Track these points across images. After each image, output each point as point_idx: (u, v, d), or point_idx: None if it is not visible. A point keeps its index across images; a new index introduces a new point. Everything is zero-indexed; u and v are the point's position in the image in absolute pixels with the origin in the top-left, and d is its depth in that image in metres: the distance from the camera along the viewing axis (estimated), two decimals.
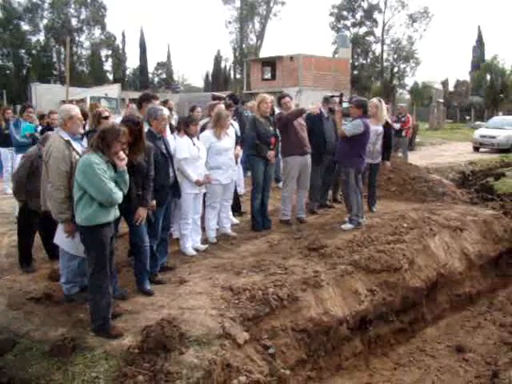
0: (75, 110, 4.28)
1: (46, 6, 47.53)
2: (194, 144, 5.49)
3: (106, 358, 3.45)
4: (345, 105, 7.20)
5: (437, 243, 6.16)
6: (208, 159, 5.85)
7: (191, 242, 5.65)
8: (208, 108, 6.87)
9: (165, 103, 7.39)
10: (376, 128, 6.85)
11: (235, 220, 6.82)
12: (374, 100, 7.06)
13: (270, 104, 6.42)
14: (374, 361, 4.86)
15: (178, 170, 5.17)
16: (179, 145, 5.37)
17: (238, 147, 6.35)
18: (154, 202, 4.56)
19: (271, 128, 6.40)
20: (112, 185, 3.72)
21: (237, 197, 6.96)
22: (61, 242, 4.27)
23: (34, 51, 47.21)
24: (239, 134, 6.95)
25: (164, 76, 58.40)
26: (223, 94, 17.32)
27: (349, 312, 4.73)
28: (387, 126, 7.17)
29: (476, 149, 18.43)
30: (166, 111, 4.88)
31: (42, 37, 48.28)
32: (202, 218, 6.01)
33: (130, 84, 52.38)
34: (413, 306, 5.49)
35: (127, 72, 55.60)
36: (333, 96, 7.67)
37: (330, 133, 7.20)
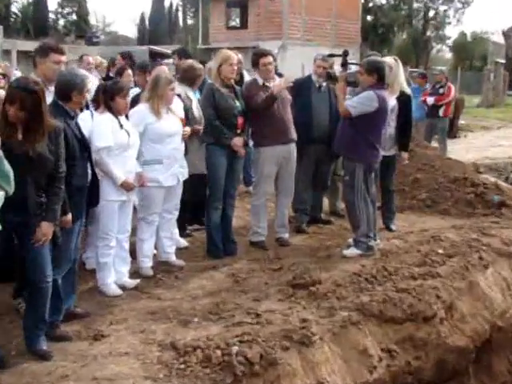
0: None
1: None
2: (120, 126, 5.46)
3: None
4: (351, 68, 7.20)
5: (490, 279, 6.21)
6: (142, 149, 5.86)
7: (114, 276, 5.67)
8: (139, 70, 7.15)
9: (82, 60, 7.45)
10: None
11: (183, 242, 6.89)
12: (388, 59, 7.12)
13: (237, 66, 6.56)
14: None
15: (95, 166, 5.18)
16: (98, 126, 5.37)
17: (188, 128, 6.35)
18: (70, 216, 4.62)
19: (238, 103, 6.51)
20: None
21: (199, 201, 6.94)
22: None
23: None
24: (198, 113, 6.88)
25: (74, 17, 56.96)
26: (167, 49, 17.14)
27: None
28: (403, 97, 7.29)
29: None
30: (91, 78, 4.92)
31: None
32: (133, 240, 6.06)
33: (18, 29, 50.77)
34: (453, 375, 5.54)
35: (13, 9, 53.90)
36: (332, 55, 7.66)
37: (321, 109, 7.35)
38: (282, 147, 6.78)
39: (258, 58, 6.73)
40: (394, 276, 5.83)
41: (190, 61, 7.17)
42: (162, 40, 44.22)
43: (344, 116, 6.53)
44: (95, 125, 5.37)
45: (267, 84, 6.66)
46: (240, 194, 7.85)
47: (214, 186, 6.53)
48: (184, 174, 6.26)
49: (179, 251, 6.61)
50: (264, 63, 6.66)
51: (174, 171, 6.08)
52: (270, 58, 6.71)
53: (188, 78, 6.75)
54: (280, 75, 7.86)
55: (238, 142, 6.44)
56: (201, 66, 6.97)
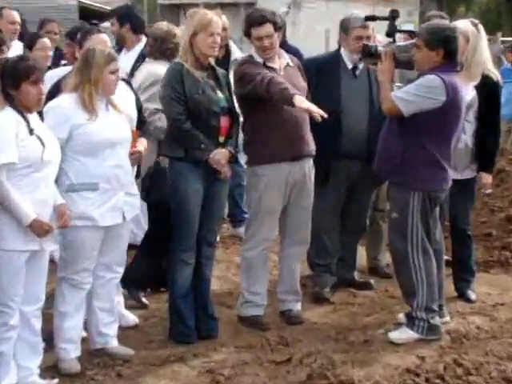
0: None
1: None
2: (30, 130, 5.20)
3: None
4: (400, 40, 7.00)
5: None
6: (65, 166, 5.64)
7: (15, 374, 5.37)
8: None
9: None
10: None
11: (132, 317, 6.65)
12: (462, 24, 6.89)
13: (220, 36, 6.38)
14: None
15: None
16: None
17: (143, 141, 6.36)
18: None
19: (220, 94, 6.37)
20: None
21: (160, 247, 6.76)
22: None
23: None
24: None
25: None
26: (105, 6, 16.86)
27: None
28: (487, 85, 7.03)
29: None
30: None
31: None
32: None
33: None
34: None
35: None
36: (373, 17, 7.23)
37: (356, 105, 7.16)
38: (292, 165, 6.52)
39: (249, 26, 6.58)
40: (475, 376, 5.56)
41: (163, 24, 7.30)
42: None
43: (390, 115, 6.31)
44: None
45: (271, 65, 6.52)
46: (223, 239, 8.04)
47: (183, 226, 6.31)
48: (134, 207, 6.07)
49: (125, 332, 6.34)
50: (258, 36, 6.48)
51: (116, 203, 5.81)
52: (268, 28, 6.44)
53: (164, 52, 6.92)
54: (291, 50, 7.55)
55: (220, 156, 6.18)
56: (178, 30, 7.12)
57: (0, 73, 5.25)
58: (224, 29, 6.60)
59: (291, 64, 6.69)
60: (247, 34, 6.66)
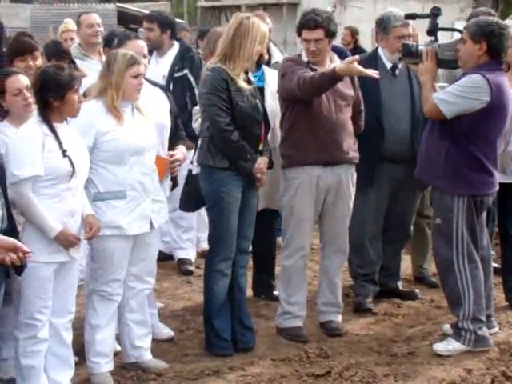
0: None
1: None
2: (59, 143, 5.24)
3: None
4: (442, 38, 6.77)
5: None
6: (91, 175, 5.67)
7: None
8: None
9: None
10: None
11: (167, 331, 6.67)
12: (511, 22, 6.88)
13: (267, 40, 6.53)
14: None
15: (13, 207, 5.16)
16: (20, 146, 5.26)
17: (182, 148, 6.52)
18: None
19: (258, 100, 6.40)
20: None
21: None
22: None
23: None
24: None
25: None
26: (144, 10, 16.93)
27: None
28: None
29: None
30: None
31: None
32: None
33: None
34: None
35: None
36: (413, 16, 7.16)
37: (397, 106, 7.16)
38: (324, 170, 6.52)
39: (301, 27, 6.59)
40: None
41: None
42: None
43: (432, 118, 6.30)
44: (13, 141, 5.33)
45: (315, 67, 6.52)
46: None
47: (223, 235, 6.30)
48: (161, 215, 6.07)
49: (159, 345, 6.38)
50: (307, 39, 6.54)
51: (143, 211, 5.83)
52: (319, 34, 6.44)
53: None
54: (339, 52, 7.73)
55: (263, 164, 6.27)
56: None
57: (39, 83, 5.27)
58: (269, 30, 6.60)
59: None
60: (299, 34, 6.64)
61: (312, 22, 6.54)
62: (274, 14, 8.14)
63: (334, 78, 6.28)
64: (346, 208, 6.67)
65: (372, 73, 6.44)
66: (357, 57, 6.64)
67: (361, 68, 6.33)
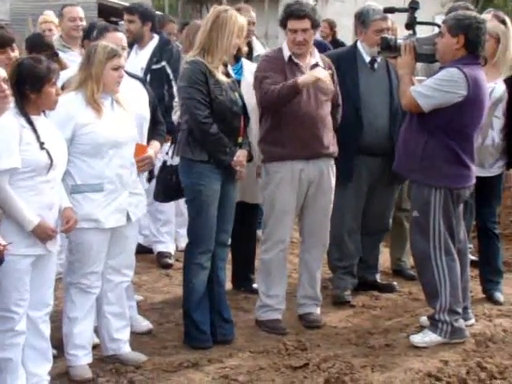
0: None
1: None
2: (36, 136, 5.21)
3: None
4: (422, 32, 6.86)
5: None
6: (69, 168, 5.66)
7: (24, 378, 5.35)
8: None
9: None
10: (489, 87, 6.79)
11: (145, 323, 6.67)
12: (490, 24, 6.73)
13: (245, 33, 6.45)
14: None
15: None
16: None
17: (156, 145, 6.45)
18: None
19: (236, 93, 6.44)
20: None
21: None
22: None
23: None
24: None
25: None
26: (124, 3, 16.98)
27: None
28: None
29: None
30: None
31: None
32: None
33: None
34: None
35: None
36: (392, 9, 7.19)
37: (375, 100, 7.18)
38: (306, 164, 6.53)
39: (286, 17, 6.59)
40: (499, 380, 5.64)
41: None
42: None
43: (409, 111, 6.33)
44: None
45: (297, 60, 6.55)
46: None
47: (203, 228, 6.31)
48: (139, 208, 6.08)
49: (138, 338, 6.38)
50: (294, 29, 6.51)
51: (120, 205, 5.83)
52: (306, 24, 6.47)
53: None
54: (319, 44, 7.78)
55: (242, 157, 6.28)
56: None
57: (16, 75, 5.24)
58: (252, 23, 6.63)
59: (321, 64, 6.64)
60: (283, 24, 6.63)
61: (300, 11, 6.56)
62: (255, 7, 8.11)
63: (294, 89, 6.32)
64: (328, 200, 6.70)
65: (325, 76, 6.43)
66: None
67: (316, 74, 6.34)
